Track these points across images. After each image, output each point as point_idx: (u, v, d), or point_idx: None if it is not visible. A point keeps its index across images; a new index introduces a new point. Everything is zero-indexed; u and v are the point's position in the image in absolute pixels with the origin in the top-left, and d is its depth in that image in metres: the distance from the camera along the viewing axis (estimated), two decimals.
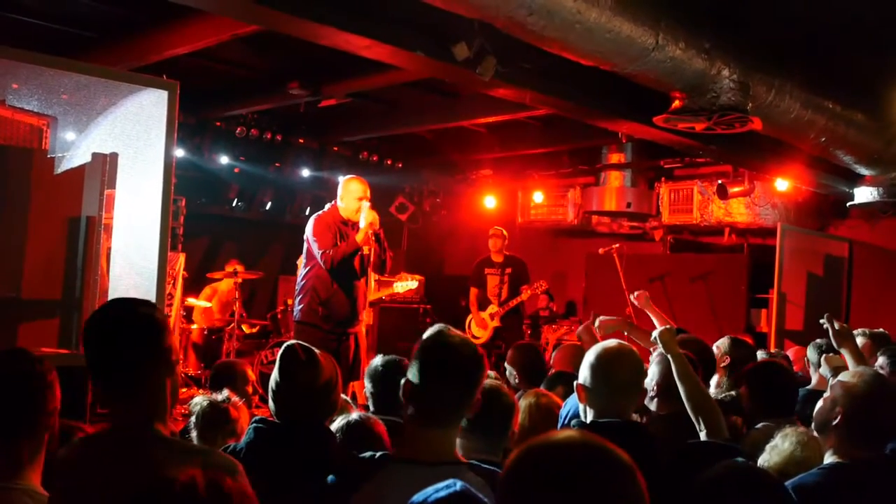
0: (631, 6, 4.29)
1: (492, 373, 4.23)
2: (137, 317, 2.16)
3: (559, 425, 3.51)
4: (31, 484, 2.28)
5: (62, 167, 4.44)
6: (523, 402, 3.66)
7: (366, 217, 6.02)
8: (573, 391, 3.47)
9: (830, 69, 5.87)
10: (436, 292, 11.57)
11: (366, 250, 6.11)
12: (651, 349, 4.03)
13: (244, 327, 9.70)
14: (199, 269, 10.50)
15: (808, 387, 5.15)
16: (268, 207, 11.75)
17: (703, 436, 3.21)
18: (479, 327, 9.29)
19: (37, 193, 4.39)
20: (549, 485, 1.34)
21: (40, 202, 4.39)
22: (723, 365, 4.60)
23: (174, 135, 4.76)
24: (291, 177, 11.06)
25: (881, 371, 4.76)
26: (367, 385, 3.77)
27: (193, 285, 10.10)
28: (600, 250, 9.49)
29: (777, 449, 3.02)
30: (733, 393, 4.18)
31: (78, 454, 2.14)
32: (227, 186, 11.26)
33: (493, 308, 9.24)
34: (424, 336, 2.34)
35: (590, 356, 2.87)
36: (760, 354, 5.44)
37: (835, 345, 4.44)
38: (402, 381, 2.33)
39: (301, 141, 10.71)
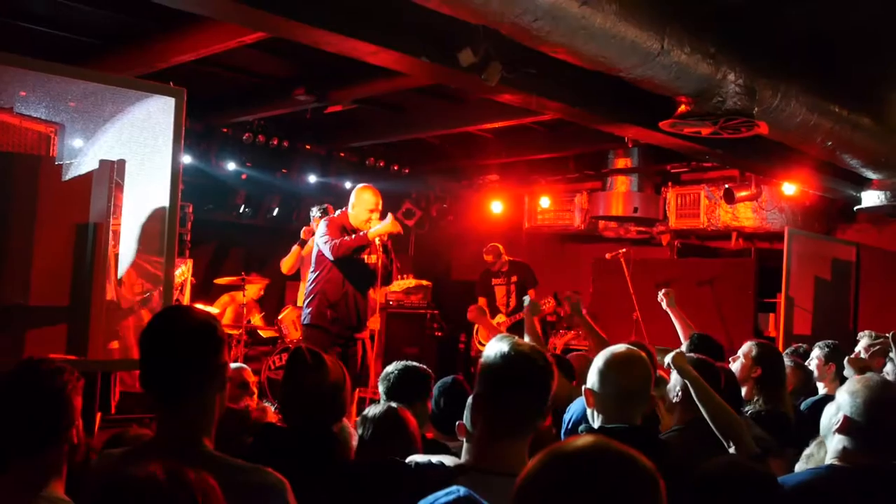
0: (636, 11, 4.29)
1: None
2: (197, 328, 2.10)
3: (563, 430, 3.51)
4: (56, 493, 2.26)
5: (70, 174, 4.46)
6: None
7: (384, 225, 6.08)
8: None
9: (836, 73, 5.86)
10: (443, 298, 11.57)
11: (374, 258, 6.15)
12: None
13: (260, 332, 9.73)
14: (207, 276, 10.52)
15: (820, 394, 5.12)
16: (275, 213, 11.76)
17: (731, 452, 3.20)
18: (485, 339, 9.29)
19: (44, 200, 4.40)
20: (569, 492, 1.32)
21: (48, 209, 4.40)
22: (754, 377, 4.39)
23: (181, 141, 4.79)
24: (298, 183, 11.08)
25: (888, 377, 4.72)
26: (381, 388, 3.80)
27: (201, 291, 10.13)
28: (607, 255, 9.47)
29: (814, 458, 3.02)
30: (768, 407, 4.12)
31: (116, 468, 2.07)
32: (234, 193, 11.27)
33: (500, 318, 9.24)
34: (489, 347, 2.32)
35: (598, 361, 2.87)
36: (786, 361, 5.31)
37: None
38: (471, 396, 2.31)
39: (308, 147, 10.72)
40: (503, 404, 2.25)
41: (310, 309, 6.20)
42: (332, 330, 6.09)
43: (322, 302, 6.12)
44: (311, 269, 6.32)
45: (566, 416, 3.60)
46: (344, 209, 6.35)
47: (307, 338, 6.03)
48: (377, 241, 6.11)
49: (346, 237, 6.11)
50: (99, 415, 5.74)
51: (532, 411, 2.28)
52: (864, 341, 5.92)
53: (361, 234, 6.10)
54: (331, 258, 6.06)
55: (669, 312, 5.61)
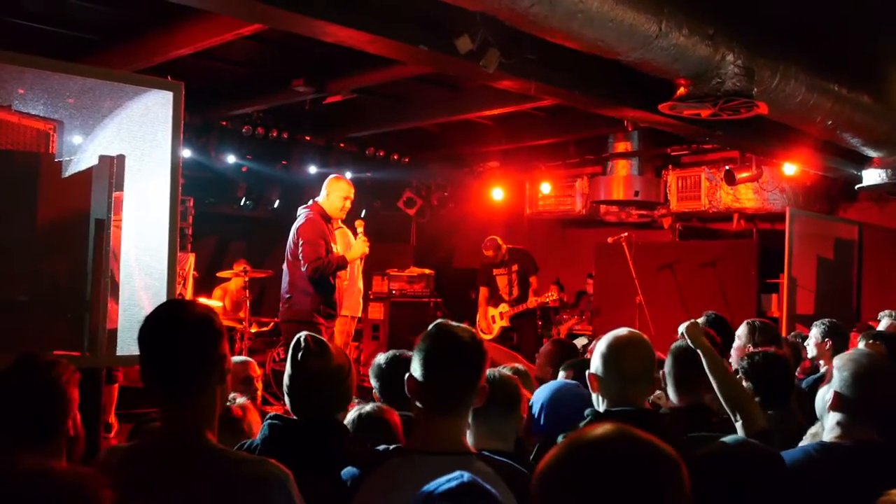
0: None
1: (520, 365, 4.23)
2: (194, 321, 2.10)
3: (536, 416, 3.48)
4: None
5: (69, 170, 4.45)
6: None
7: (358, 247, 6.41)
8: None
9: (835, 52, 5.85)
10: (445, 285, 11.58)
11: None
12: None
13: (253, 326, 9.72)
14: (209, 269, 10.53)
15: (820, 372, 5.12)
16: (276, 205, 11.75)
17: (738, 427, 3.20)
18: (486, 330, 9.30)
19: (45, 197, 4.40)
20: (594, 480, 1.30)
21: (48, 206, 4.40)
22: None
23: (180, 135, 4.78)
24: (299, 174, 11.05)
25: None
26: (374, 383, 3.80)
27: (204, 285, 10.14)
28: (609, 239, 9.48)
29: (818, 437, 3.03)
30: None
31: (123, 461, 2.10)
32: (234, 185, 11.26)
33: (503, 307, 9.25)
34: (426, 332, 2.35)
35: (601, 345, 2.87)
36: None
37: None
38: (406, 376, 2.34)
39: (307, 138, 10.71)
40: (436, 386, 2.28)
41: (298, 303, 6.15)
42: (320, 321, 6.09)
43: (316, 298, 6.12)
44: (292, 262, 6.24)
45: (533, 399, 3.56)
46: (314, 201, 6.37)
47: (295, 331, 5.93)
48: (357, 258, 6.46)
49: (328, 248, 6.14)
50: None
51: (463, 391, 2.30)
52: (884, 321, 5.91)
53: (340, 256, 6.23)
54: (304, 269, 6.05)
55: None
